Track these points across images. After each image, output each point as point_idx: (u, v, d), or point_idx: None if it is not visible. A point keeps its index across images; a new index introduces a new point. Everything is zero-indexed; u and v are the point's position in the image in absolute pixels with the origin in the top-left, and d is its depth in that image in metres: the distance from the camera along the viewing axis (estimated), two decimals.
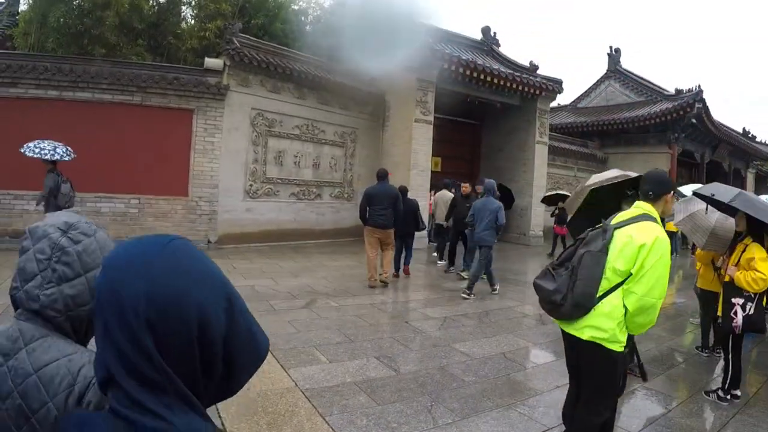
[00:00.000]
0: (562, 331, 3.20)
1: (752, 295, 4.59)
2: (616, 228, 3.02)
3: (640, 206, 3.14)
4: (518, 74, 16.87)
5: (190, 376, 0.78)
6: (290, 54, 14.66)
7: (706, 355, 6.35)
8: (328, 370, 4.85)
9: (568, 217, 5.99)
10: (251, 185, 13.24)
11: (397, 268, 10.16)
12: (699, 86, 21.08)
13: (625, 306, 2.87)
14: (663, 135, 22.42)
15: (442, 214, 11.57)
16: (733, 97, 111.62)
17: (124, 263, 0.79)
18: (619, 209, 5.05)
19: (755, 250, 4.59)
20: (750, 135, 29.65)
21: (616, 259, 2.89)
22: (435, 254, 12.92)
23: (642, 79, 25.88)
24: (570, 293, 2.95)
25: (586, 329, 2.94)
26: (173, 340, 0.76)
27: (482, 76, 15.41)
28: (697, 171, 24.82)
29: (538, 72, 18.46)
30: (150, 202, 11.90)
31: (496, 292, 9.24)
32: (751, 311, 4.57)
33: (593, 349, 2.93)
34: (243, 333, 0.84)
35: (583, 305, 2.92)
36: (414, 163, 14.80)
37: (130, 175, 11.57)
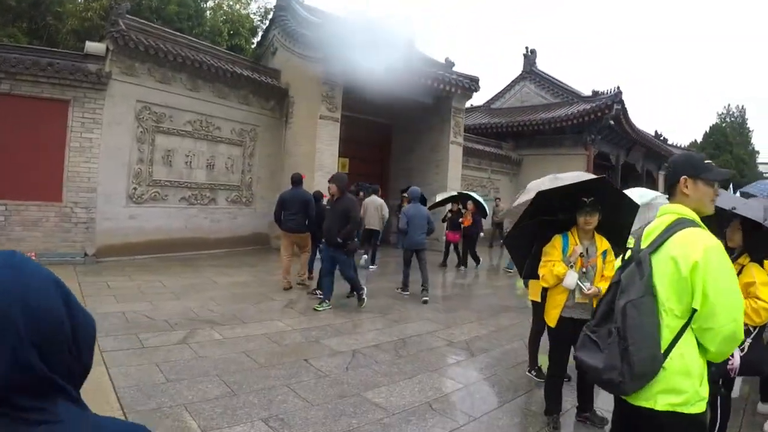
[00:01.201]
0: (620, 400, 2.49)
1: (750, 329, 3.80)
2: (651, 253, 2.35)
3: (668, 210, 2.48)
4: (432, 70, 16.45)
5: (64, 371, 0.87)
6: (184, 40, 13.89)
7: None
8: None
9: (506, 229, 5.45)
10: (135, 189, 12.32)
11: (310, 270, 10.83)
12: (617, 87, 21.94)
13: (705, 348, 2.24)
14: (579, 136, 23.00)
15: (372, 219, 12.41)
16: (714, 96, 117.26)
17: None
18: (574, 222, 4.42)
19: (755, 273, 3.81)
20: (662, 138, 31.09)
21: (668, 298, 2.25)
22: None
23: (557, 80, 26.79)
24: (626, 365, 2.25)
25: (659, 396, 2.24)
26: (51, 346, 0.84)
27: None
28: (613, 173, 25.34)
29: (454, 69, 18.15)
30: (18, 209, 10.73)
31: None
32: (751, 350, 3.80)
33: (671, 418, 2.23)
34: (80, 317, 0.91)
35: (648, 373, 2.23)
36: (319, 164, 14.32)
37: None
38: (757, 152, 47.87)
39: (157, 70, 12.56)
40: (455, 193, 15.09)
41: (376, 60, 14.36)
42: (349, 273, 8.70)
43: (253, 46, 20.91)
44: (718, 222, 3.88)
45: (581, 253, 4.33)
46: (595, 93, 23.09)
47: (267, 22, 19.87)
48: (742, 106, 47.61)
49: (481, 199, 14.34)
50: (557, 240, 4.46)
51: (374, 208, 12.53)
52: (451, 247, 14.79)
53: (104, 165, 11.58)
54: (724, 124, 46.29)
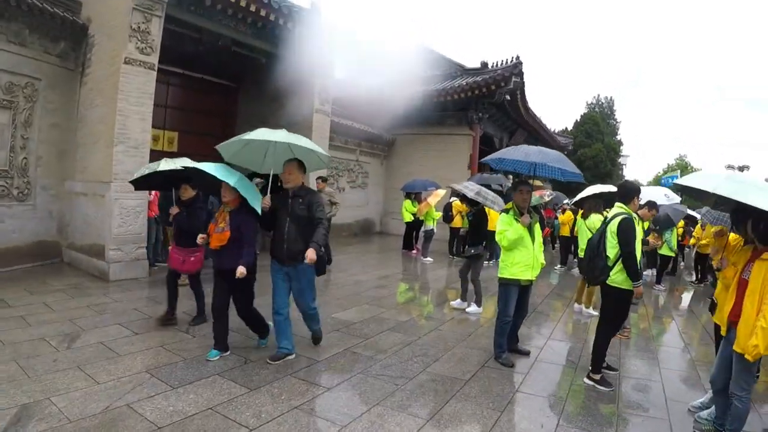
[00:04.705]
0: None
1: None
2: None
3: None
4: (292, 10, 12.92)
5: None
6: None
7: None
8: None
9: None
10: None
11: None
12: (517, 57, 20.58)
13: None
14: (464, 114, 21.95)
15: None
16: (581, 85, 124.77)
17: None
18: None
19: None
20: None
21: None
22: None
23: (436, 51, 25.15)
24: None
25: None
26: None
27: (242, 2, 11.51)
28: None
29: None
30: None
31: None
32: None
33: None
34: None
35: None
36: (121, 134, 10.07)
37: None
38: (622, 143, 52.54)
39: None
40: (176, 164, 6.82)
41: None
42: None
43: None
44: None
45: None
46: (485, 65, 21.82)
47: None
48: (611, 97, 53.29)
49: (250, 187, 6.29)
50: None
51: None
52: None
53: None
54: (594, 114, 49.74)
